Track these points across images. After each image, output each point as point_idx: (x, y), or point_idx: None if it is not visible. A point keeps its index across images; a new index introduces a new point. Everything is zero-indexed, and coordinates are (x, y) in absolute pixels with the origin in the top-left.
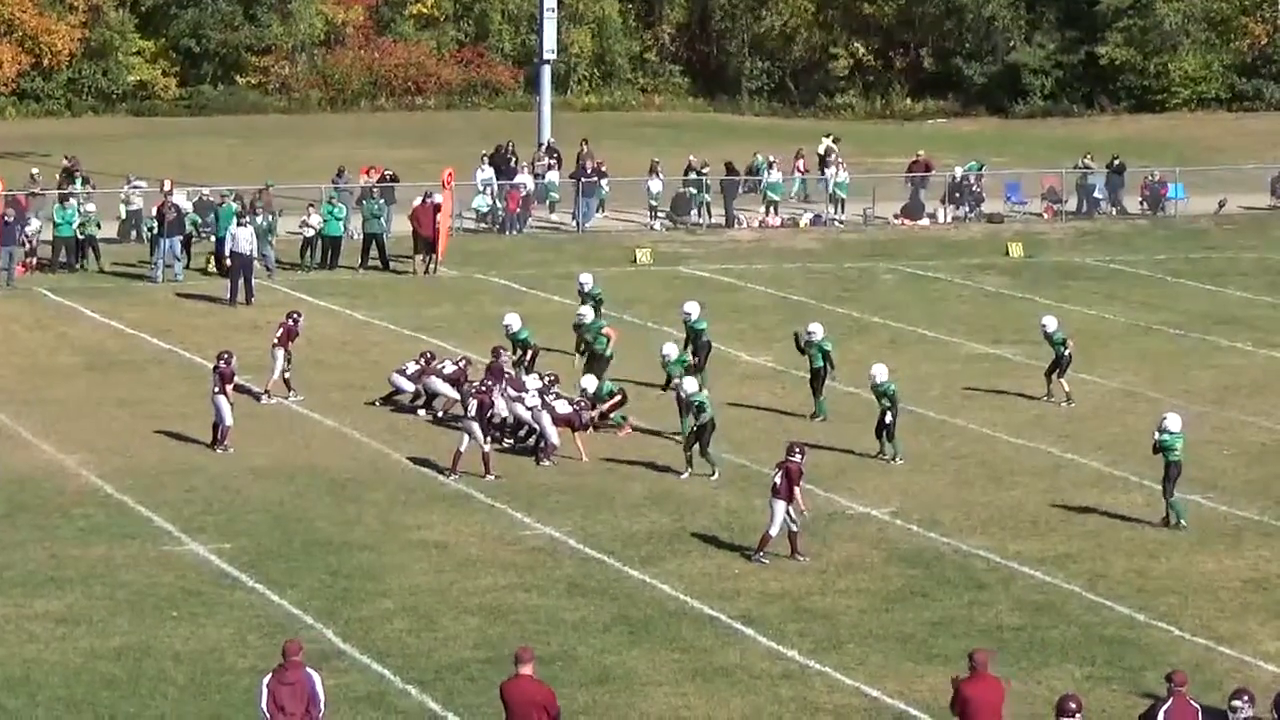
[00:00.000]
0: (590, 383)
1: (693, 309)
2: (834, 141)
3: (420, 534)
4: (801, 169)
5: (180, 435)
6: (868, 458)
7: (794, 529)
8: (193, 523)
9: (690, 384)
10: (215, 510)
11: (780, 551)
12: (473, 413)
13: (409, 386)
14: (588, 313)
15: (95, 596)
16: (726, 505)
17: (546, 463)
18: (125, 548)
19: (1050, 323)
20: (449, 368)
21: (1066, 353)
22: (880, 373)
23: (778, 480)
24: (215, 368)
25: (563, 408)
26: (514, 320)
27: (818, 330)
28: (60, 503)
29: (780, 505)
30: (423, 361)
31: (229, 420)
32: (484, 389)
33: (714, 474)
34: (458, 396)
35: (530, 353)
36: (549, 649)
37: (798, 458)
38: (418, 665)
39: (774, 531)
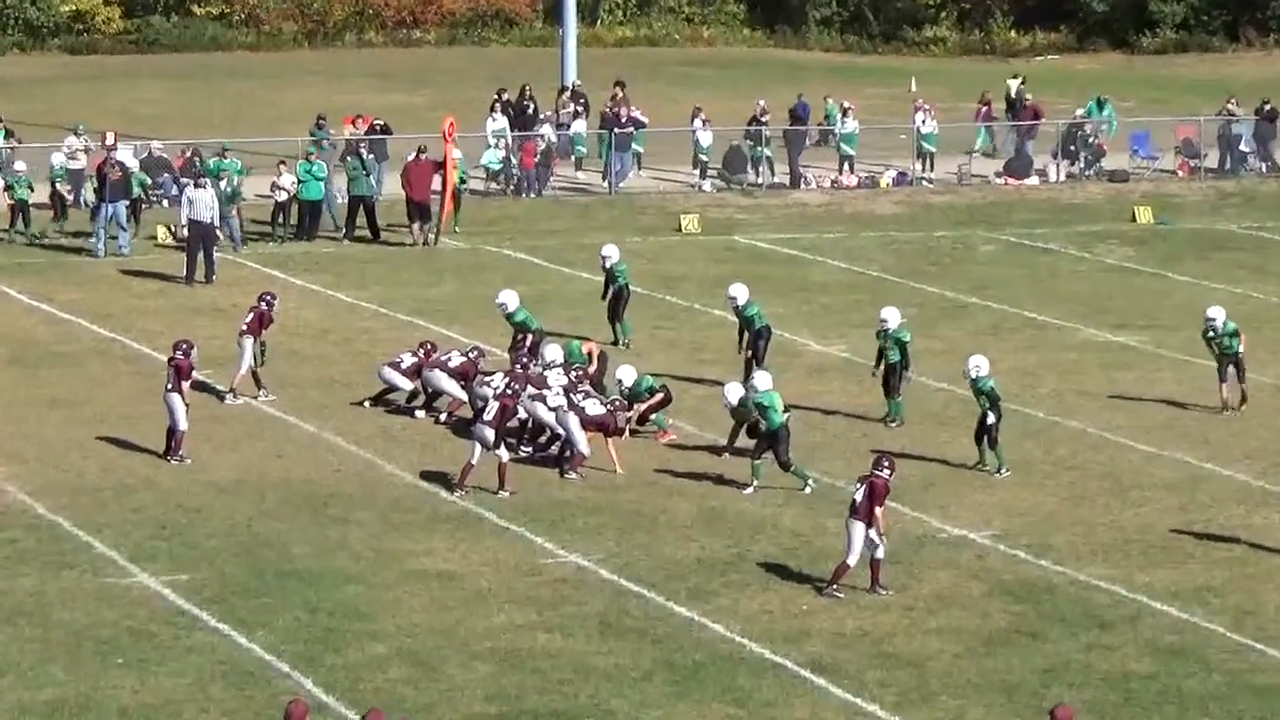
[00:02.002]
0: (628, 374)
1: (740, 292)
2: (1022, 83)
3: (419, 562)
4: (983, 115)
5: (126, 443)
6: (964, 469)
7: (876, 556)
8: (142, 549)
9: (762, 380)
10: (169, 534)
11: (859, 584)
12: (489, 416)
13: (405, 384)
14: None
15: (24, 639)
16: (792, 527)
17: (573, 475)
18: (60, 580)
19: (1217, 315)
20: (455, 359)
21: (1239, 348)
22: (979, 366)
23: (858, 497)
24: (170, 360)
25: (593, 409)
26: (510, 298)
27: (893, 317)
28: None
29: (859, 527)
30: (422, 353)
31: (184, 424)
32: (510, 393)
33: (806, 487)
34: (465, 396)
35: (531, 338)
36: (577, 702)
37: (886, 473)
38: None
39: (852, 560)
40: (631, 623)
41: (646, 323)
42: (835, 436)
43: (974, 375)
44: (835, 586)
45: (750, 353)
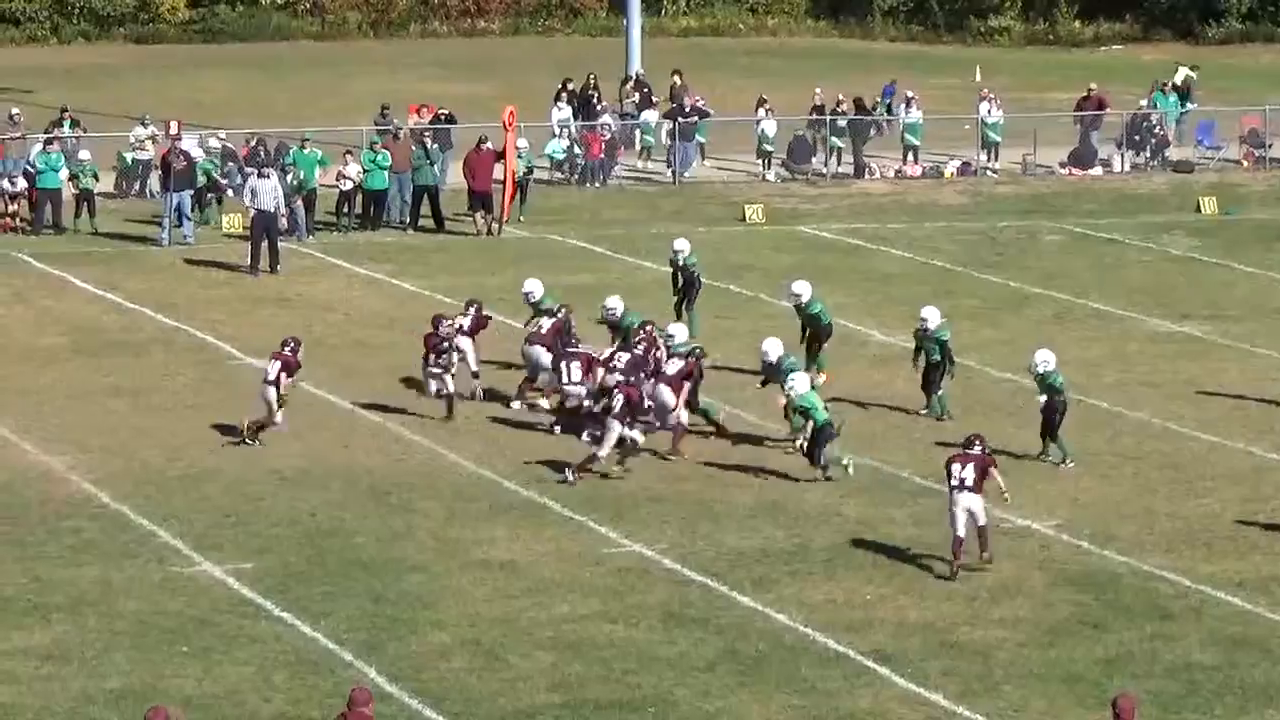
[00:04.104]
0: (681, 331)
1: (803, 289)
2: (1192, 69)
3: (483, 552)
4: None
5: (190, 432)
6: (1028, 459)
7: (980, 524)
8: (206, 538)
9: (801, 382)
10: (233, 523)
11: (924, 573)
12: (618, 408)
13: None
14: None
15: (88, 628)
16: (855, 516)
17: (673, 457)
18: (124, 569)
19: None
20: (546, 323)
21: None
22: (1046, 361)
23: (966, 476)
24: (277, 355)
25: (673, 367)
26: (535, 286)
27: (933, 316)
28: (45, 514)
29: (964, 498)
30: (473, 311)
31: (279, 418)
32: (631, 383)
33: (848, 467)
34: (552, 373)
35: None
36: (640, 692)
37: (978, 448)
38: (480, 711)
39: (961, 532)
40: (695, 612)
41: (710, 312)
42: (897, 427)
43: (1041, 370)
44: (957, 564)
45: (813, 346)
